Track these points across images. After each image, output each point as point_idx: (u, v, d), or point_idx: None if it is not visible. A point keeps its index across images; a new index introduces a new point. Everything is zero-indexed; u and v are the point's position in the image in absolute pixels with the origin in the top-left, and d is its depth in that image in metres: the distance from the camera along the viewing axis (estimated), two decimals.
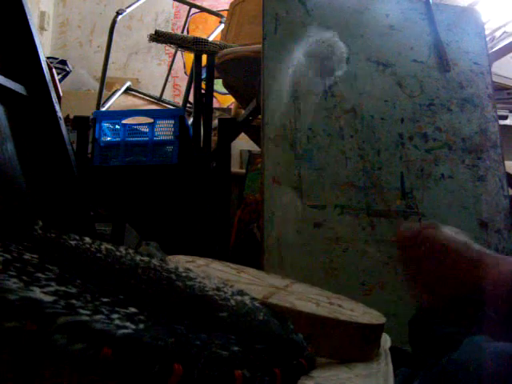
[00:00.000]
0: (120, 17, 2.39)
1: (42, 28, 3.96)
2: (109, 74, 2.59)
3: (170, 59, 3.33)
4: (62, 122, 1.62)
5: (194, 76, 1.99)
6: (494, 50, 1.92)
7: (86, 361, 0.29)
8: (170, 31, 3.54)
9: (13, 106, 1.48)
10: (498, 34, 2.26)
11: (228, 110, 3.48)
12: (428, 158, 1.41)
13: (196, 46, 1.86)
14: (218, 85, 2.34)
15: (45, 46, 3.88)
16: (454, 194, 1.39)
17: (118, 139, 1.99)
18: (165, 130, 2.00)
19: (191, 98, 2.19)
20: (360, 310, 0.67)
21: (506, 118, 2.14)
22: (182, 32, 3.07)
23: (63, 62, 3.54)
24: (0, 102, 1.43)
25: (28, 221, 0.45)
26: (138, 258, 0.48)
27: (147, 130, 1.99)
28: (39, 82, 1.56)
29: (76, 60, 3.95)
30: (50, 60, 3.20)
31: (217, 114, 2.98)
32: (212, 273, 0.66)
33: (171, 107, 2.94)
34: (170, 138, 1.97)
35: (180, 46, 1.95)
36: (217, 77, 2.03)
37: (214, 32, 2.49)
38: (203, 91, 1.96)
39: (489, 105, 1.50)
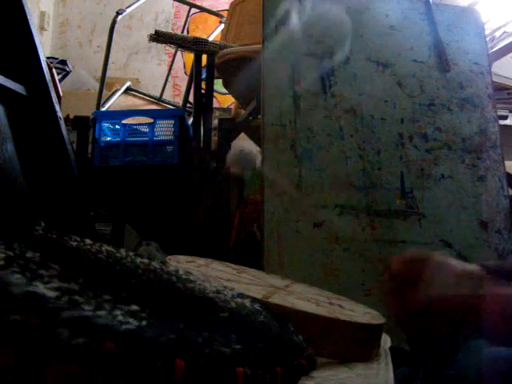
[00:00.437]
0: (120, 17, 2.39)
1: (42, 28, 3.96)
2: (109, 73, 2.59)
3: (170, 59, 3.33)
4: (62, 122, 1.62)
5: (194, 76, 1.99)
6: (493, 50, 1.92)
7: (89, 354, 0.29)
8: (170, 31, 3.54)
9: (13, 106, 1.48)
10: (498, 34, 2.26)
11: (228, 109, 3.47)
12: (428, 157, 1.41)
13: (196, 46, 1.86)
14: (218, 85, 2.34)
15: (45, 46, 3.88)
16: (453, 194, 1.39)
17: (118, 139, 2.00)
18: (165, 130, 2.00)
19: (191, 98, 2.19)
20: (360, 310, 0.68)
21: (506, 118, 2.14)
22: (182, 32, 3.08)
23: (63, 62, 3.55)
24: (0, 102, 1.44)
25: (29, 221, 0.45)
26: (138, 260, 0.48)
27: (147, 130, 1.99)
28: (39, 82, 1.56)
29: (76, 60, 3.95)
30: (50, 60, 3.20)
31: (217, 113, 2.98)
32: (212, 273, 0.66)
33: (171, 107, 2.94)
34: (170, 138, 1.97)
35: (180, 46, 1.95)
36: (217, 77, 2.03)
37: (213, 32, 2.49)
38: (203, 91, 1.96)
39: (489, 105, 1.50)
